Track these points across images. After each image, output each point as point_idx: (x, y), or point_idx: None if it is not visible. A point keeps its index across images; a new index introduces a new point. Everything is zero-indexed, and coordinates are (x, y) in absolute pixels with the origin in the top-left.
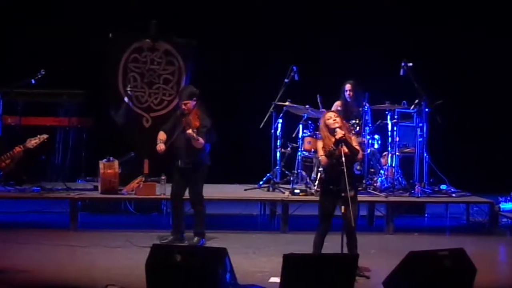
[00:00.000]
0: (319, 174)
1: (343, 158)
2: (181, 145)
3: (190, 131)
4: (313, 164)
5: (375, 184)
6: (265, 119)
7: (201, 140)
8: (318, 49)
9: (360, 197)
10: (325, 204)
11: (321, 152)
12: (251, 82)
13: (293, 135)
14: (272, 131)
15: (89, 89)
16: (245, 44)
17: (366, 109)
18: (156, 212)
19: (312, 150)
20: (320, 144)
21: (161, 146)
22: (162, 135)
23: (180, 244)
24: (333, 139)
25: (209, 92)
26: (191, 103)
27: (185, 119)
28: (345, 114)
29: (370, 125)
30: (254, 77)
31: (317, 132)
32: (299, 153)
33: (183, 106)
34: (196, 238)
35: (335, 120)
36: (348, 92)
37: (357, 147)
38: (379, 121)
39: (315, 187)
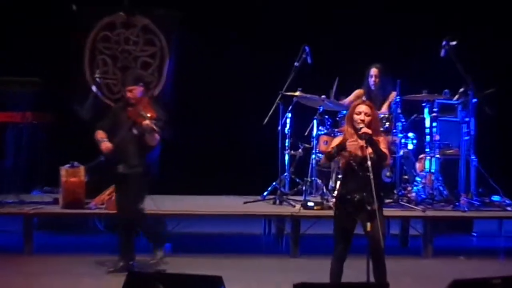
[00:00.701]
0: (338, 182)
1: (369, 162)
2: (126, 146)
3: (147, 122)
4: (331, 170)
5: (409, 195)
6: (270, 113)
7: (158, 136)
8: (339, 22)
9: (390, 212)
10: (341, 220)
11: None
12: (252, 67)
13: (306, 134)
14: (279, 128)
15: (48, 77)
16: (244, 18)
17: (397, 100)
18: None
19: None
20: (336, 141)
21: (106, 144)
22: (101, 134)
23: (162, 271)
24: (354, 139)
25: (198, 80)
26: (138, 90)
27: (133, 109)
28: None
29: (402, 120)
30: (256, 61)
31: (336, 130)
32: (313, 156)
33: (128, 94)
34: (158, 253)
35: (366, 118)
36: (373, 79)
37: (385, 151)
38: (414, 115)
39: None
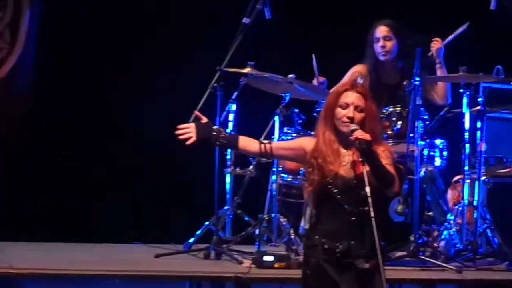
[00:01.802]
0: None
1: (367, 189)
2: None
3: None
4: (304, 201)
5: (435, 245)
6: (201, 104)
7: None
8: None
9: (403, 272)
10: (311, 285)
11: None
12: (166, 30)
13: (262, 138)
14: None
15: None
16: None
17: (416, 83)
18: None
19: (302, 169)
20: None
21: None
22: None
23: None
24: (333, 149)
25: (81, 48)
26: None
27: None
28: (375, 93)
29: (425, 118)
30: (173, 22)
31: (311, 132)
32: (274, 177)
33: None
34: None
35: (357, 114)
36: (382, 44)
37: (391, 170)
38: (445, 109)
39: None
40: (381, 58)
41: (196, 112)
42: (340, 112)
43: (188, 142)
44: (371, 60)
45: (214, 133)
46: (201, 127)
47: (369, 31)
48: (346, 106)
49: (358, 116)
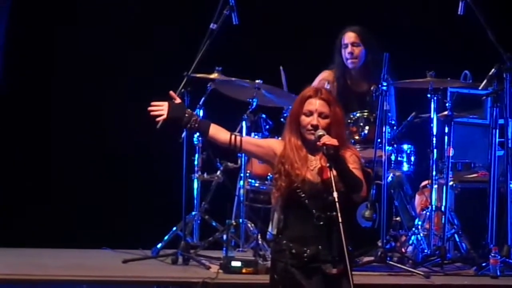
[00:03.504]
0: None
1: (335, 194)
2: None
3: None
4: (272, 207)
5: (403, 250)
6: None
7: None
8: None
9: (371, 278)
10: None
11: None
12: (140, 32)
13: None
14: (183, 135)
15: None
16: None
17: (383, 88)
18: None
19: (270, 174)
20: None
21: None
22: None
23: None
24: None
25: (47, 54)
26: None
27: None
28: (343, 99)
29: (393, 122)
30: (146, 22)
31: (279, 137)
32: (242, 183)
33: None
34: None
35: (321, 121)
36: (350, 50)
37: (359, 174)
38: (413, 113)
39: None
40: (350, 65)
41: (171, 92)
42: (304, 119)
43: (158, 119)
44: (339, 67)
45: (186, 115)
46: (173, 106)
47: (337, 37)
48: (310, 114)
49: (323, 122)
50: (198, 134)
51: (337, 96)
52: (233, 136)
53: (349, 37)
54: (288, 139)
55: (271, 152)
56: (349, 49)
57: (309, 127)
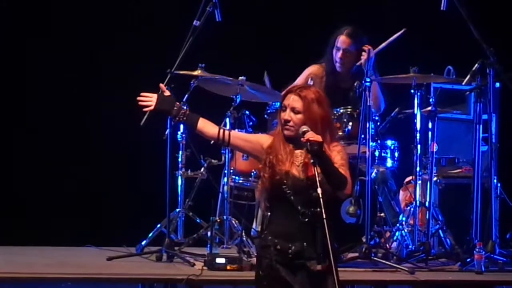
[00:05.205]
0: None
1: (319, 190)
2: None
3: None
4: (256, 203)
5: (387, 246)
6: None
7: None
8: None
9: (355, 274)
10: (263, 286)
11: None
12: (121, 29)
13: (212, 141)
14: (167, 132)
15: None
16: None
17: (367, 84)
18: None
19: (253, 171)
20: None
21: None
22: None
23: None
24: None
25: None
26: None
27: None
28: (328, 94)
29: (376, 119)
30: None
31: (263, 134)
32: (226, 180)
33: None
34: None
35: (294, 117)
36: (341, 55)
37: (344, 171)
38: (396, 110)
39: None
40: (337, 68)
41: (161, 85)
42: (280, 114)
43: (146, 109)
44: (329, 64)
45: (175, 108)
46: (163, 98)
47: (333, 33)
48: (285, 108)
49: (295, 118)
50: (185, 126)
51: (324, 91)
52: (221, 130)
53: (343, 42)
54: (277, 131)
55: (259, 147)
56: (340, 54)
57: (282, 121)
